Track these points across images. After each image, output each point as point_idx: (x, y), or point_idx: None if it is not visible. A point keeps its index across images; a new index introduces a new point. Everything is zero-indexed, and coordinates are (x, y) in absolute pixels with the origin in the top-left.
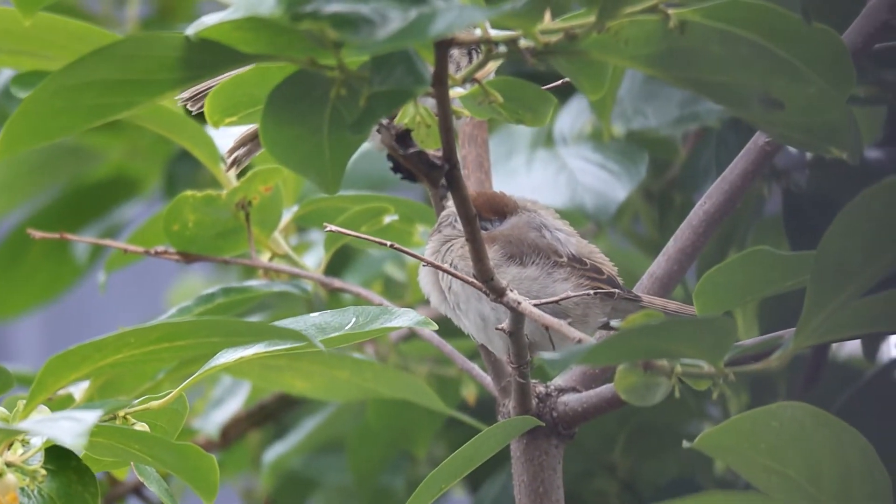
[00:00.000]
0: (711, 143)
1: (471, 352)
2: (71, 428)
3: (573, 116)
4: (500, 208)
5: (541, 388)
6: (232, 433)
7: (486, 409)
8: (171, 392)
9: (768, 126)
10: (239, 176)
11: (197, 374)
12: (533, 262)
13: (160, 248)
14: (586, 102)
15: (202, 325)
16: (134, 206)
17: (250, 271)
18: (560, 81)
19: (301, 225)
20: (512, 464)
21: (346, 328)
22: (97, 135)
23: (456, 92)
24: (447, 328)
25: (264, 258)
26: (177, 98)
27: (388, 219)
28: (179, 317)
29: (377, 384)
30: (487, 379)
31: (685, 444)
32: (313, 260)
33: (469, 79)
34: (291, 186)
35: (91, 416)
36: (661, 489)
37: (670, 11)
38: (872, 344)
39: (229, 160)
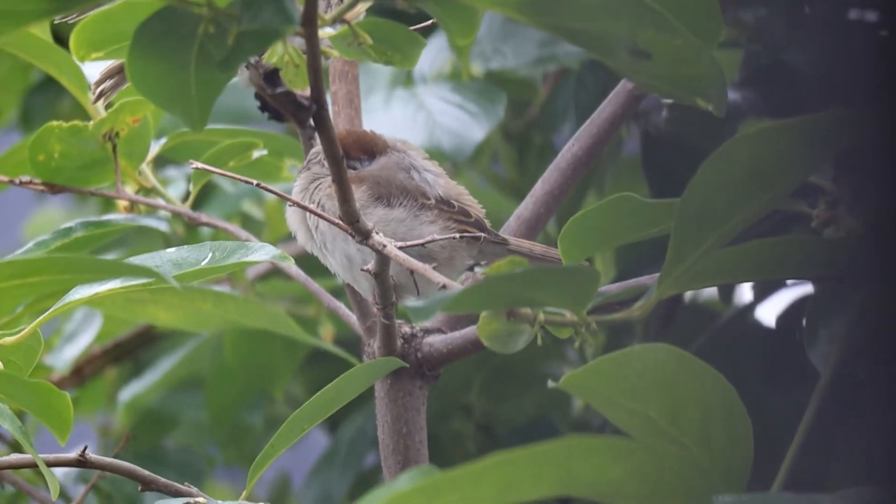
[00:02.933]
0: (571, 84)
1: (336, 290)
2: None
3: (432, 55)
4: (370, 148)
5: (406, 329)
6: (87, 370)
7: (345, 349)
8: (24, 328)
9: (634, 75)
10: (106, 108)
11: (53, 308)
12: (400, 204)
13: (25, 178)
14: (445, 41)
15: (56, 261)
16: None
17: (110, 206)
18: (428, 22)
19: (167, 159)
20: (375, 404)
21: (203, 263)
22: None
23: (325, 32)
24: (311, 266)
25: (130, 191)
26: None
27: (256, 153)
28: (35, 251)
29: (239, 315)
30: (353, 318)
31: (550, 384)
32: (174, 195)
33: (339, 19)
34: (154, 119)
35: None
36: (518, 430)
37: None
38: (728, 287)
39: (96, 92)
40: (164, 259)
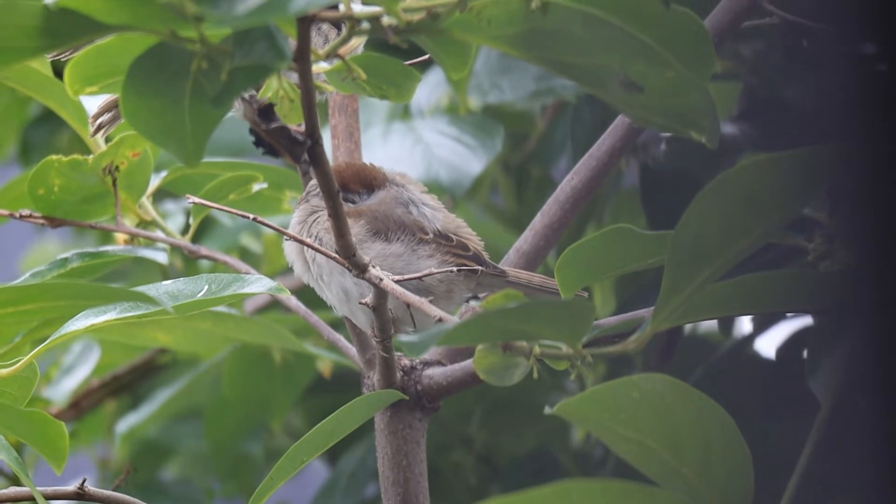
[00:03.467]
0: (568, 117)
1: (335, 322)
2: None
3: (430, 89)
4: (369, 181)
5: (406, 362)
6: (85, 403)
7: (345, 383)
8: (21, 359)
9: (627, 108)
10: (105, 141)
11: (50, 339)
12: (398, 239)
13: (25, 212)
14: (443, 75)
15: (50, 287)
16: None
17: (108, 239)
18: (423, 58)
19: (166, 192)
20: (375, 436)
21: (199, 295)
22: None
23: (320, 67)
24: (310, 298)
25: (130, 224)
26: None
27: (256, 186)
28: (31, 281)
29: (239, 332)
30: (352, 350)
31: (547, 409)
32: (174, 227)
33: (333, 54)
34: (153, 153)
35: None
36: (519, 461)
37: None
38: (728, 319)
39: (95, 125)
40: (161, 291)
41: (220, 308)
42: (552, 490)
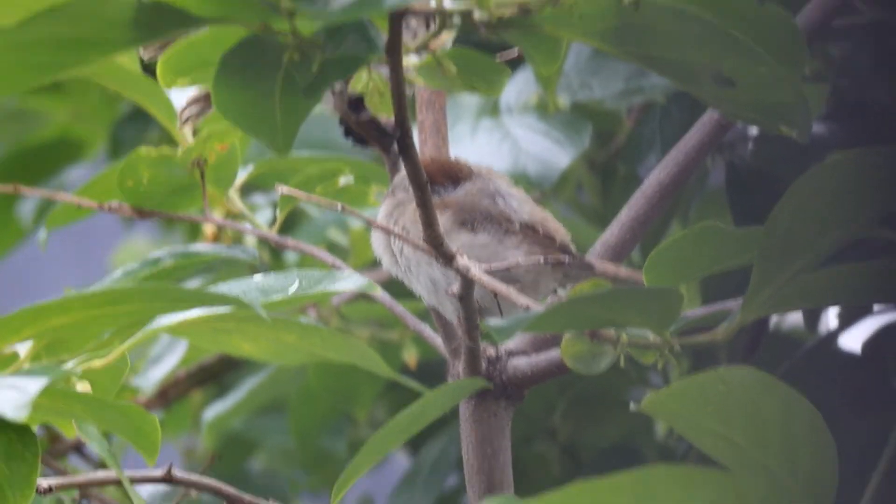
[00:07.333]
0: (656, 116)
1: (421, 313)
2: (13, 399)
3: (519, 88)
4: (454, 174)
5: (491, 351)
6: (172, 393)
7: (429, 374)
8: (113, 351)
9: (719, 103)
10: (193, 133)
11: (139, 333)
12: (484, 230)
13: (114, 204)
14: (532, 74)
15: (145, 291)
16: (78, 169)
17: (195, 232)
18: (512, 52)
19: (254, 185)
20: (460, 425)
21: (290, 291)
22: (41, 97)
23: (410, 60)
24: (397, 290)
25: (218, 216)
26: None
27: (343, 180)
28: (124, 280)
29: (324, 349)
30: (438, 340)
31: (632, 406)
32: (262, 221)
33: (423, 48)
34: (241, 147)
35: (34, 387)
36: (602, 454)
37: None
38: (813, 315)
39: (183, 118)
40: (251, 286)
41: (310, 316)
42: (634, 476)
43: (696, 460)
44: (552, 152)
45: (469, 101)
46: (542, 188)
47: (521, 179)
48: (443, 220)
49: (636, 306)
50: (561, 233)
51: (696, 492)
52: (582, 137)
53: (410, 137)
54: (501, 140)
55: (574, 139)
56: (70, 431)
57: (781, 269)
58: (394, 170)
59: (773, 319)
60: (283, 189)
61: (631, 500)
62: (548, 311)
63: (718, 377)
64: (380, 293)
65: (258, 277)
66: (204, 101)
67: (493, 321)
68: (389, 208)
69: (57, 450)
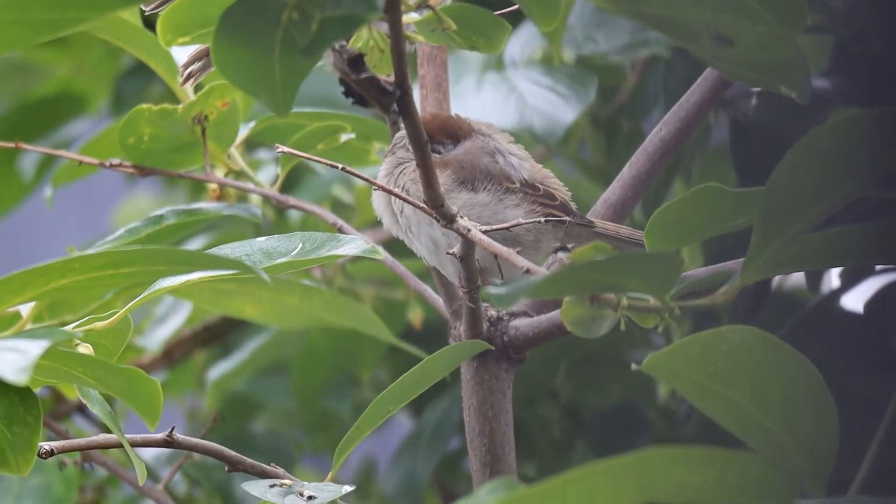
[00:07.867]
0: (660, 70)
1: (423, 273)
2: (14, 361)
3: (523, 42)
4: (454, 132)
5: (492, 312)
6: (177, 353)
7: (432, 334)
8: (116, 312)
9: (717, 62)
10: (195, 90)
11: (143, 295)
12: (485, 188)
13: (115, 161)
14: (536, 28)
15: (147, 253)
16: (80, 123)
17: (198, 189)
18: (512, 8)
19: (257, 142)
20: (462, 386)
21: (293, 254)
22: (43, 51)
23: (410, 17)
24: (399, 249)
25: (219, 174)
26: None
27: (344, 137)
28: (126, 238)
29: (326, 312)
30: (439, 301)
31: (633, 366)
32: (265, 178)
33: (423, 5)
34: (243, 103)
35: (35, 349)
36: (604, 415)
37: None
38: (815, 275)
39: (184, 74)
40: (255, 248)
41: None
42: (636, 458)
43: (697, 422)
44: (558, 107)
45: (473, 55)
46: (547, 143)
47: (527, 134)
48: (443, 179)
49: (637, 271)
50: (561, 191)
51: (694, 471)
52: (588, 91)
53: (410, 97)
54: (507, 94)
55: (580, 93)
56: (73, 393)
57: (782, 230)
58: (394, 128)
59: (776, 280)
60: (282, 148)
61: (630, 483)
62: (549, 276)
63: (720, 337)
64: (382, 256)
65: (261, 240)
66: (206, 57)
67: (495, 289)
68: (390, 167)
69: (60, 410)
